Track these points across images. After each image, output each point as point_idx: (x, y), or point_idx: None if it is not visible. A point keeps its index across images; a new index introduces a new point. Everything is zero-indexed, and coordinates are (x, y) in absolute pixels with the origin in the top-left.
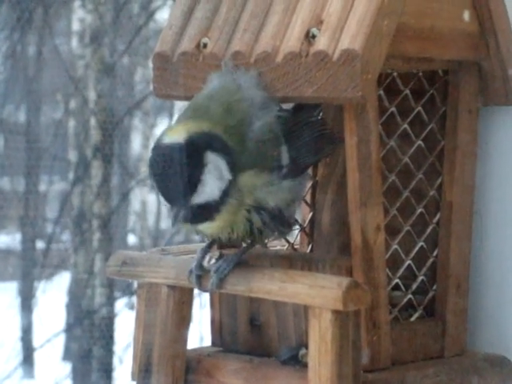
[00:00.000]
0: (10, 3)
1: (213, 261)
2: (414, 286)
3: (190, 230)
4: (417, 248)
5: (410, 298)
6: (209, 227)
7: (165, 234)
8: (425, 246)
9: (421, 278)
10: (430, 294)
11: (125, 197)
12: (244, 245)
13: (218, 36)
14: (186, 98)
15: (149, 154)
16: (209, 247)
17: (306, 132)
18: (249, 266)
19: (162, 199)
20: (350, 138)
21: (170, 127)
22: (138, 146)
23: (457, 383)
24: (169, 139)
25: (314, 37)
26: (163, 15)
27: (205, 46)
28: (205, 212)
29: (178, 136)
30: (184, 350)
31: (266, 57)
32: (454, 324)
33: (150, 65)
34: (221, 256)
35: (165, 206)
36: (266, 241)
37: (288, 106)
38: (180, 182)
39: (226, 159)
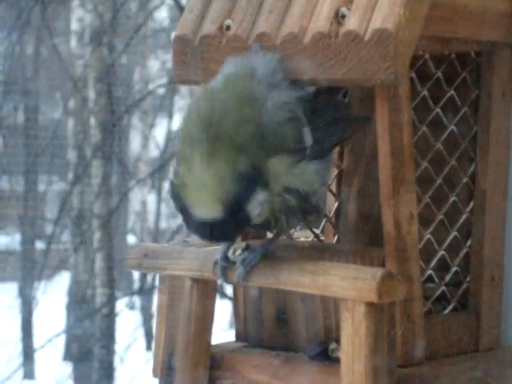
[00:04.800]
0: (8, 3)
1: (238, 252)
2: (448, 278)
3: None
4: (450, 238)
5: (443, 290)
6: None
7: (165, 234)
8: (458, 236)
9: (454, 269)
10: (464, 286)
11: (124, 196)
12: (269, 235)
13: (242, 17)
14: (207, 83)
15: (148, 154)
16: None
17: (329, 112)
18: (276, 257)
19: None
20: (381, 122)
21: (190, 185)
22: (138, 145)
23: (492, 378)
24: (201, 213)
25: (343, 17)
26: (162, 14)
27: (228, 28)
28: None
29: (209, 210)
30: (208, 344)
31: (293, 38)
32: (489, 317)
33: (149, 64)
34: (247, 247)
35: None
36: (292, 231)
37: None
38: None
39: (259, 188)
